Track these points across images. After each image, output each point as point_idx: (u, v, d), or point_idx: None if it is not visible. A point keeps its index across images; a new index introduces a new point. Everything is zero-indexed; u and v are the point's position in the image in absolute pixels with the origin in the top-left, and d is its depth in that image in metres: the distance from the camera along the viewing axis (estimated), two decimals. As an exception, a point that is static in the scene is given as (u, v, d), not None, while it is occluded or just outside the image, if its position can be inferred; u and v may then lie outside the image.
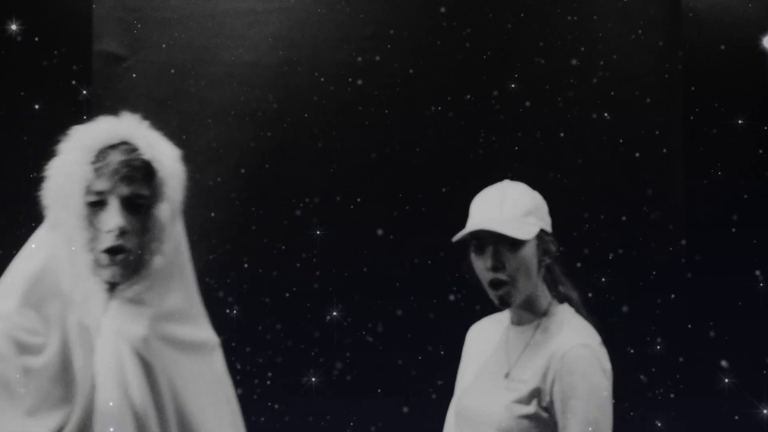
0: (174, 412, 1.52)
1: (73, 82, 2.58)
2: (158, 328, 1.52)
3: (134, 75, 2.70)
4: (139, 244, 1.53)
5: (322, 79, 2.72)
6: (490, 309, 2.04)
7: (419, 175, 2.76)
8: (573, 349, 1.92)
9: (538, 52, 2.75)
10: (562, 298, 2.11)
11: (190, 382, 1.56)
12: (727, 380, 2.58)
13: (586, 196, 2.72)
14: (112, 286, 1.53)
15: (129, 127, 1.59)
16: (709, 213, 2.64)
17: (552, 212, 2.07)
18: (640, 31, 2.74)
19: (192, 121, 2.73)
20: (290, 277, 2.70)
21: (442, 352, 2.63)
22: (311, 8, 2.76)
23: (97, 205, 1.52)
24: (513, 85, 2.74)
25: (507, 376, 2.04)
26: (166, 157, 1.61)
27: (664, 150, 2.72)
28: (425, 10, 2.77)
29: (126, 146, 1.56)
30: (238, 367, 2.61)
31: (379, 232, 2.73)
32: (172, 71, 2.71)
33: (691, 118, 2.70)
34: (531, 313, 2.05)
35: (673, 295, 2.65)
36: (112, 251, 1.50)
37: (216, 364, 1.64)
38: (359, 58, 2.75)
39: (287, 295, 2.70)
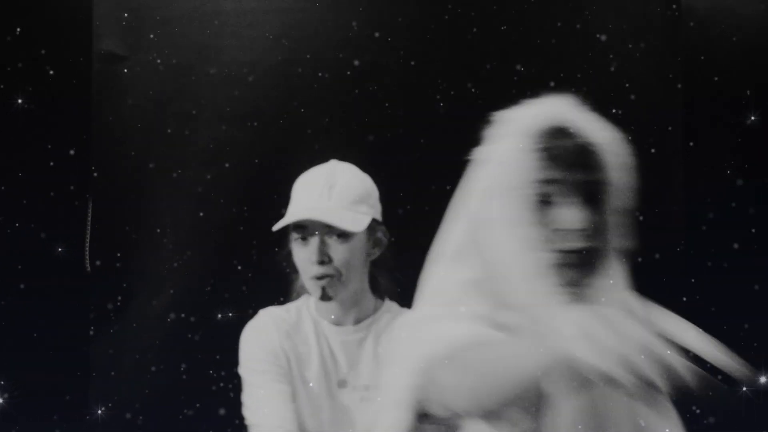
0: None
1: (51, 72, 2.58)
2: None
3: (134, 75, 2.70)
4: (599, 237, 1.34)
5: (320, 74, 2.69)
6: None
7: (422, 174, 2.69)
8: None
9: (543, 46, 2.70)
10: (381, 294, 1.94)
11: None
12: (744, 388, 2.47)
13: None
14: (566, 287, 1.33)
15: (567, 110, 1.40)
16: (712, 213, 2.55)
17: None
18: (640, 32, 2.67)
19: (191, 121, 2.71)
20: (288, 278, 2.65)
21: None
22: (311, 8, 2.73)
23: (545, 197, 1.33)
24: (514, 89, 2.68)
25: (342, 384, 1.83)
26: (608, 139, 1.40)
27: (666, 149, 2.64)
28: (427, 8, 2.73)
29: (568, 130, 1.36)
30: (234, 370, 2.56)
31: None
32: (172, 71, 2.70)
33: (693, 117, 2.63)
34: (357, 310, 1.85)
35: (684, 298, 2.54)
36: (574, 251, 1.31)
37: None
38: (360, 58, 2.71)
39: (282, 299, 2.65)
